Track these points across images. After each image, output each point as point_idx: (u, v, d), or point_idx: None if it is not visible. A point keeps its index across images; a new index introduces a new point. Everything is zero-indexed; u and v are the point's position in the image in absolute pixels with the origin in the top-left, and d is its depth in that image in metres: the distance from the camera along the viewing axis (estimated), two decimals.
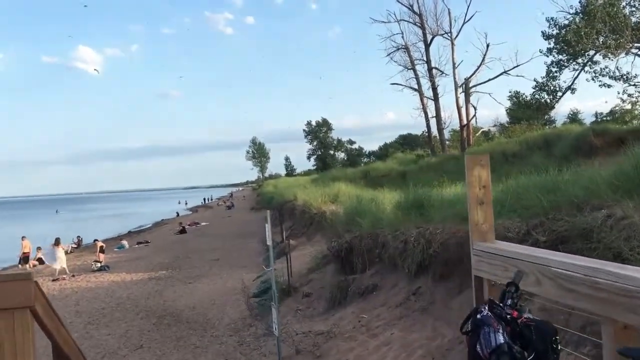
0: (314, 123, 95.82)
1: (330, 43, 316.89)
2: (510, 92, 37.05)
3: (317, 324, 9.29)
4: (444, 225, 8.45)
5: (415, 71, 38.98)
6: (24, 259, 23.90)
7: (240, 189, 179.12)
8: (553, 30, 27.75)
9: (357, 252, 10.13)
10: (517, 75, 34.37)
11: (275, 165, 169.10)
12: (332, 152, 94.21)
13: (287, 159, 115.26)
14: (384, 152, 78.67)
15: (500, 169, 20.49)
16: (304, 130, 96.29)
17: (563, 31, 26.88)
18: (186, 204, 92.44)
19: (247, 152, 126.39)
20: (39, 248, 25.27)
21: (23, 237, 24.31)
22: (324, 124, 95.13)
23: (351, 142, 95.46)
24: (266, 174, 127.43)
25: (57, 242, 22.00)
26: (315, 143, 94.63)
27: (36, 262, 24.35)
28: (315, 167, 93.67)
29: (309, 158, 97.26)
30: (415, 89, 39.03)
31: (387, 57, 39.08)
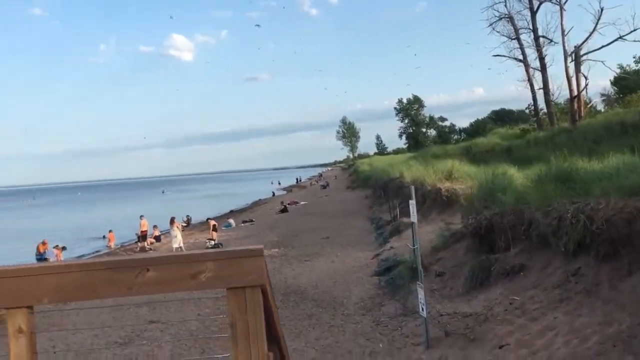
0: (405, 101, 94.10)
1: (416, 19, 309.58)
2: (634, 57, 34.05)
3: (460, 305, 8.82)
4: (608, 200, 7.67)
5: (519, 41, 36.89)
6: (142, 236, 25.08)
7: (329, 168, 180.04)
8: None
9: (499, 230, 9.52)
10: (635, 41, 31.56)
11: (365, 145, 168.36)
12: (424, 129, 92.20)
13: (378, 137, 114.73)
14: (475, 129, 76.00)
15: (619, 140, 18.90)
16: (394, 108, 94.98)
17: None
18: (279, 184, 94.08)
19: (337, 132, 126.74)
20: (155, 226, 26.44)
21: (141, 216, 25.48)
22: (416, 101, 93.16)
23: (442, 119, 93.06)
24: (356, 154, 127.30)
25: (172, 221, 22.85)
26: (406, 121, 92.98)
27: (153, 240, 25.52)
28: (406, 145, 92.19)
29: (400, 136, 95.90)
30: (519, 60, 36.99)
31: (486, 29, 37.48)
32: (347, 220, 25.69)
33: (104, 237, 30.39)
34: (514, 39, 37.01)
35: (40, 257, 20.90)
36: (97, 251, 28.21)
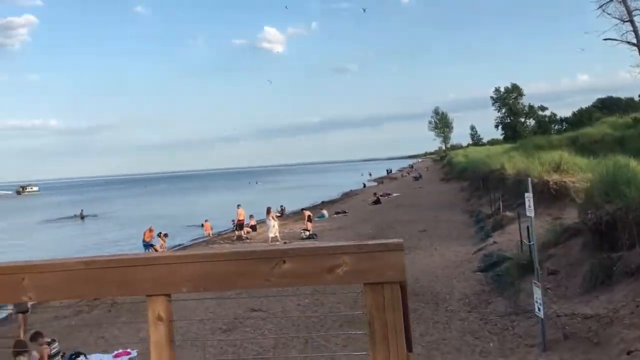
0: (502, 89, 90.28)
1: (510, 5, 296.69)
2: None
3: (579, 305, 8.20)
4: None
5: (633, 23, 34.15)
6: (239, 225, 25.71)
7: (420, 160, 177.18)
8: None
9: (622, 226, 8.75)
10: None
11: (457, 136, 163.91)
12: (522, 119, 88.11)
13: (472, 128, 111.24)
14: (579, 118, 71.59)
15: None
16: (491, 97, 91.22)
17: None
18: (370, 175, 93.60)
19: (430, 123, 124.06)
20: (251, 216, 27.03)
21: (238, 206, 26.11)
22: (514, 90, 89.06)
23: (542, 108, 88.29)
24: (448, 145, 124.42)
25: (268, 210, 23.22)
26: (503, 110, 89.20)
27: (249, 229, 26.11)
28: (503, 136, 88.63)
29: (497, 126, 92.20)
30: (633, 44, 34.24)
31: (594, 12, 34.71)
32: (444, 213, 25.01)
33: (202, 225, 31.54)
34: (626, 21, 34.32)
35: (147, 244, 21.95)
36: (195, 239, 29.34)
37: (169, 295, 1.88)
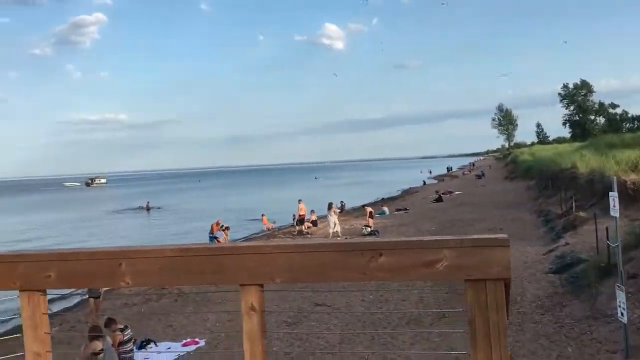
0: (571, 86, 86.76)
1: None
2: None
3: None
4: None
5: None
6: (300, 220, 25.83)
7: (481, 158, 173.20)
8: None
9: None
10: None
11: (521, 134, 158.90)
12: (592, 117, 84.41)
13: (538, 125, 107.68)
14: None
15: None
16: (559, 94, 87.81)
17: None
18: (430, 172, 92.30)
19: (493, 120, 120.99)
20: (312, 211, 27.11)
21: (299, 200, 26.25)
22: (583, 86, 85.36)
23: (613, 106, 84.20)
24: (512, 143, 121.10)
25: (330, 206, 23.21)
26: (572, 108, 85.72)
27: (310, 224, 26.18)
28: (571, 134, 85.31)
29: (564, 124, 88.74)
30: None
31: None
32: (509, 212, 24.26)
33: (269, 218, 32.12)
34: None
35: (213, 236, 22.37)
36: (255, 233, 29.74)
37: (261, 286, 1.85)
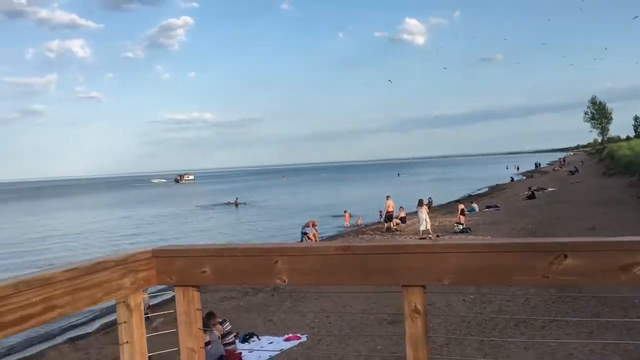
0: None
1: None
2: None
3: None
4: None
5: None
6: (388, 217, 25.49)
7: (571, 153, 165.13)
8: None
9: None
10: None
11: (615, 127, 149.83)
12: None
13: (636, 119, 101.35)
14: None
15: None
16: None
17: None
18: (517, 169, 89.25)
19: (585, 114, 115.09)
20: (401, 207, 26.73)
21: (387, 197, 25.91)
22: None
23: None
24: (606, 137, 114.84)
25: (420, 203, 22.79)
26: None
27: (399, 221, 25.81)
28: None
29: None
30: None
31: None
32: (611, 210, 22.79)
33: (351, 215, 32.18)
34: None
35: (304, 232, 22.55)
36: (341, 230, 29.77)
37: (424, 287, 1.76)
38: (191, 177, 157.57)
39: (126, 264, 1.84)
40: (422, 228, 21.76)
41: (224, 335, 9.40)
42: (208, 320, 9.38)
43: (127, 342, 1.87)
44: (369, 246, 1.84)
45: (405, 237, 21.66)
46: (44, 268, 1.74)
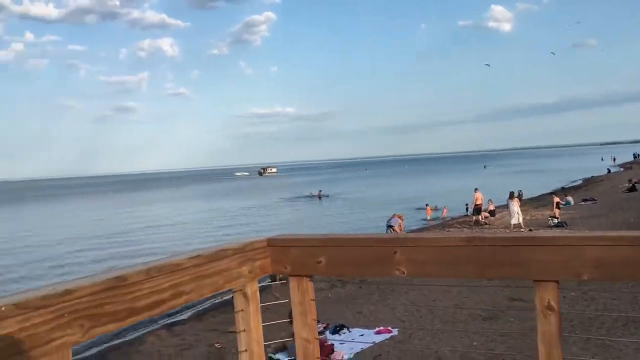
0: None
1: None
2: None
3: None
4: None
5: None
6: (476, 210, 24.77)
7: None
8: None
9: None
10: None
11: None
12: None
13: None
14: None
15: None
16: None
17: None
18: (614, 160, 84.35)
19: None
20: (490, 200, 25.94)
21: (476, 189, 25.18)
22: None
23: None
24: None
25: (511, 195, 22.01)
26: None
27: (487, 214, 25.04)
28: None
29: None
30: None
31: None
32: None
33: (436, 208, 31.69)
34: None
35: (389, 224, 22.41)
36: (425, 223, 29.35)
37: (557, 282, 1.62)
38: (274, 169, 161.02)
39: (244, 252, 1.82)
40: (514, 222, 20.94)
41: None
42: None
43: (244, 330, 1.85)
44: (496, 237, 1.74)
45: (495, 231, 20.95)
46: (170, 254, 1.74)
